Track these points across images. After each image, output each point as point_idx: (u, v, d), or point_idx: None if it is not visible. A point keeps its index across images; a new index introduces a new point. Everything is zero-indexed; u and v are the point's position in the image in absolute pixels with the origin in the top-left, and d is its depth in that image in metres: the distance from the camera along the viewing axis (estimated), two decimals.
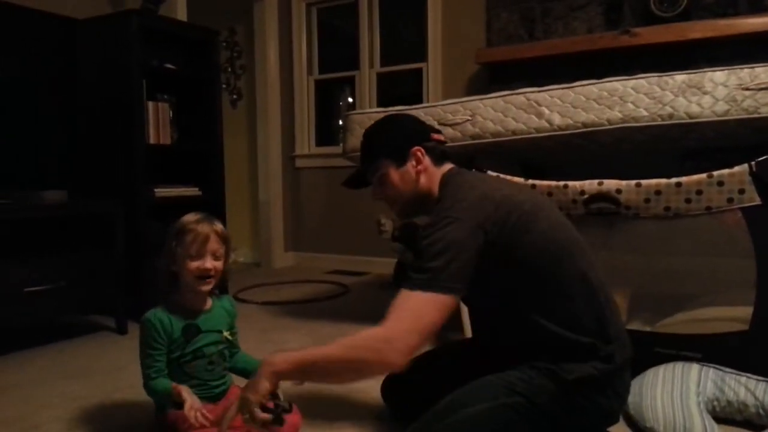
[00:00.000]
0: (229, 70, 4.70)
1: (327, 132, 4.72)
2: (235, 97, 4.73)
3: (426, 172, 1.45)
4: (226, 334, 1.54)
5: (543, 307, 1.28)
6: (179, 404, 1.38)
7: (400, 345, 1.18)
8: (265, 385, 1.23)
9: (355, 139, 2.42)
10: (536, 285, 1.28)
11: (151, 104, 2.98)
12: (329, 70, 4.62)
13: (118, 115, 2.84)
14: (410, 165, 1.44)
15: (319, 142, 4.70)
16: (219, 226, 1.49)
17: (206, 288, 1.48)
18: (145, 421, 1.62)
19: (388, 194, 1.48)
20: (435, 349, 1.68)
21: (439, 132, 1.50)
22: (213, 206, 3.02)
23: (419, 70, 4.13)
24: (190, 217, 1.48)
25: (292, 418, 1.53)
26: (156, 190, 2.95)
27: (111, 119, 2.88)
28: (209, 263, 1.45)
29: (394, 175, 1.45)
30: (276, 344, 2.31)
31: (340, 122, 4.58)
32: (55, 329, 2.67)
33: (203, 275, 1.45)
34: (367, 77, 4.37)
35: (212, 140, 3.29)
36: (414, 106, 2.32)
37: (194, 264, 1.44)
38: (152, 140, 2.97)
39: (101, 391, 1.92)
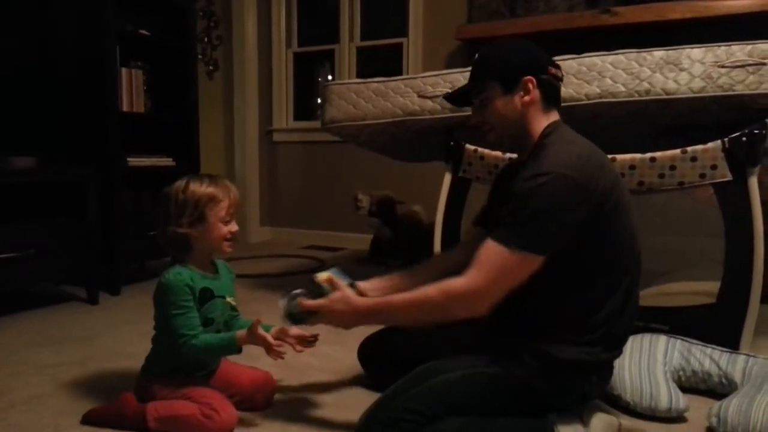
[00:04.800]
0: (206, 40, 4.59)
1: (305, 107, 4.67)
2: (211, 68, 4.64)
3: (532, 108, 1.33)
4: (230, 299, 1.52)
5: (587, 293, 1.25)
6: (240, 349, 1.43)
7: (484, 302, 1.21)
8: (354, 322, 1.35)
9: (334, 110, 2.39)
10: (598, 270, 1.24)
11: (124, 71, 2.90)
12: (309, 44, 4.55)
13: (92, 80, 2.77)
14: (518, 95, 1.33)
15: (297, 117, 4.64)
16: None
17: (231, 249, 1.48)
18: (119, 387, 1.60)
19: (486, 120, 1.39)
20: None
21: (558, 67, 1.38)
22: None
23: (399, 45, 4.10)
24: (211, 185, 1.43)
25: (269, 385, 1.55)
26: (129, 159, 2.89)
27: (84, 84, 2.80)
28: (236, 226, 1.47)
29: (498, 101, 1.34)
30: (250, 316, 2.29)
31: (319, 100, 4.52)
32: (24, 298, 2.63)
33: (232, 238, 1.47)
34: (347, 51, 4.32)
35: (187, 111, 3.23)
36: (394, 78, 2.30)
37: (227, 228, 1.44)
38: (125, 108, 2.90)
39: (72, 359, 1.89)
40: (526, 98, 1.33)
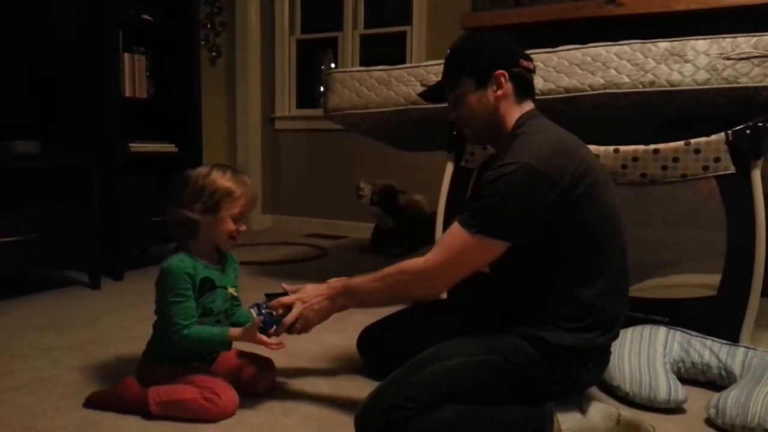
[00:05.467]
0: (209, 26, 4.56)
1: (308, 95, 4.65)
2: (214, 54, 4.61)
3: (505, 101, 1.35)
4: (232, 290, 1.53)
5: (573, 277, 1.26)
6: (230, 345, 1.47)
7: (440, 281, 1.29)
8: (326, 304, 1.38)
9: (336, 98, 2.39)
10: (580, 253, 1.25)
11: (127, 56, 2.90)
12: (312, 32, 4.53)
13: (94, 65, 2.76)
14: (491, 89, 1.35)
15: (300, 105, 4.63)
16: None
17: (231, 247, 1.49)
18: (121, 371, 1.61)
19: (461, 115, 1.41)
20: (414, 304, 1.69)
21: (529, 59, 1.39)
22: (190, 164, 2.94)
23: (403, 34, 4.08)
24: (232, 179, 1.43)
25: (270, 371, 1.56)
26: (131, 145, 2.89)
27: (86, 69, 2.79)
28: (244, 225, 1.48)
29: (472, 96, 1.37)
30: (249, 303, 2.31)
31: (322, 88, 4.51)
32: (26, 283, 2.64)
33: (236, 236, 1.47)
34: (350, 39, 4.30)
35: (190, 97, 3.22)
36: (397, 66, 2.29)
37: (234, 226, 1.44)
38: (128, 93, 2.90)
39: (75, 342, 1.90)
40: (499, 92, 1.35)
